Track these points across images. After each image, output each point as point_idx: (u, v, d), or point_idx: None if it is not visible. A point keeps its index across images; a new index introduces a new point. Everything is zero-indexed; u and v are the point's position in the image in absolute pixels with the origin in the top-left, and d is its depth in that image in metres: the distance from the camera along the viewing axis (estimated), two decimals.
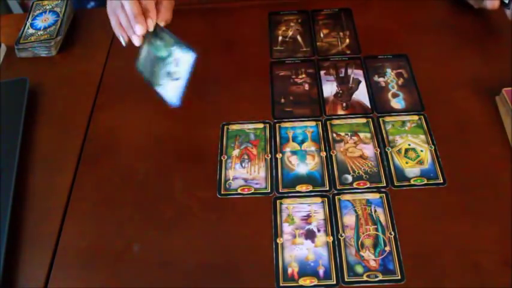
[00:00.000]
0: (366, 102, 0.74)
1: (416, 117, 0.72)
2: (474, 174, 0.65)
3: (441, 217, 0.61)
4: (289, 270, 0.58)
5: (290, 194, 0.64)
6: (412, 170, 0.66)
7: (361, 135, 0.70)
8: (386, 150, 0.68)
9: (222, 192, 0.65)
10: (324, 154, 0.68)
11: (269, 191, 0.65)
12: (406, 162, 0.66)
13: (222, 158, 0.69)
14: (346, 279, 0.56)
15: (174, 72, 0.68)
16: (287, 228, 0.61)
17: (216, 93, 0.78)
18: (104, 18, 0.93)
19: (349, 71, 0.79)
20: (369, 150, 0.68)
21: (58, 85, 0.81)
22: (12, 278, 0.59)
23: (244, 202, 0.64)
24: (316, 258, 0.58)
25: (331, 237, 0.60)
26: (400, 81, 0.77)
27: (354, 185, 0.65)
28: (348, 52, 0.82)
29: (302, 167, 0.67)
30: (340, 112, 0.73)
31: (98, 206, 0.66)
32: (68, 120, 0.76)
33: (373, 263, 0.58)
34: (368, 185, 0.64)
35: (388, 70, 0.79)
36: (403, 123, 0.71)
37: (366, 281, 0.56)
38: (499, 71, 0.75)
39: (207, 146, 0.70)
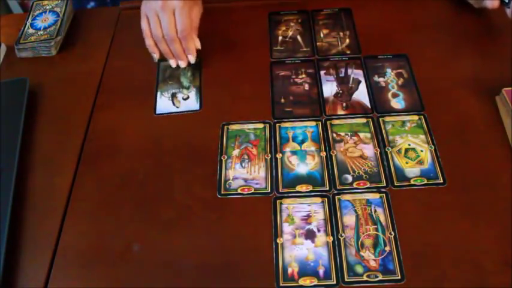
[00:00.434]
0: (366, 102, 0.74)
1: (416, 117, 0.72)
2: (474, 174, 0.65)
3: (441, 217, 0.61)
4: (289, 270, 0.58)
5: (290, 194, 0.64)
6: (412, 170, 0.66)
7: (361, 135, 0.70)
8: (386, 150, 0.68)
9: (222, 192, 0.65)
10: (324, 154, 0.68)
11: (269, 191, 0.65)
12: (406, 162, 0.66)
13: (222, 158, 0.69)
14: (346, 279, 0.56)
15: (182, 95, 0.75)
16: (287, 228, 0.61)
17: (216, 93, 0.78)
18: (104, 18, 0.94)
19: (349, 71, 0.79)
20: (369, 150, 0.68)
21: (58, 85, 0.81)
22: (12, 278, 0.59)
23: (244, 202, 0.64)
24: (316, 258, 0.58)
25: (331, 237, 0.60)
26: (400, 81, 0.77)
27: (354, 185, 0.65)
28: (348, 52, 0.82)
29: (302, 167, 0.67)
30: (340, 112, 0.73)
31: (98, 206, 0.66)
32: (68, 120, 0.76)
33: (373, 263, 0.58)
34: (368, 185, 0.64)
35: (388, 70, 0.79)
36: (403, 123, 0.71)
37: (366, 281, 0.56)
38: (499, 71, 0.75)
39: (207, 146, 0.70)
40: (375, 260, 0.58)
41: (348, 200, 0.63)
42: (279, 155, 0.69)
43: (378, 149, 0.68)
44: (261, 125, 0.73)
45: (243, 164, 0.68)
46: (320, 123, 0.72)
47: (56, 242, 0.62)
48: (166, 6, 0.74)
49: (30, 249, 0.62)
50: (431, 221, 0.61)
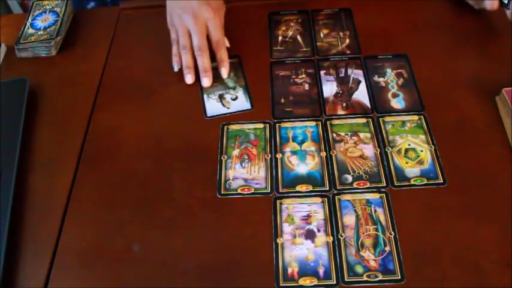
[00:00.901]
0: (366, 102, 0.74)
1: (416, 117, 0.72)
2: (474, 174, 0.65)
3: (441, 217, 0.61)
4: (289, 270, 0.58)
5: (290, 194, 0.64)
6: (412, 170, 0.66)
7: (361, 135, 0.70)
8: (386, 150, 0.68)
9: (222, 192, 0.65)
10: (324, 154, 0.68)
11: (269, 191, 0.65)
12: (406, 162, 0.66)
13: (222, 158, 0.69)
14: (346, 279, 0.56)
15: (229, 95, 0.75)
16: (287, 228, 0.61)
17: None
18: (104, 18, 0.93)
19: (349, 71, 0.79)
20: (369, 150, 0.68)
21: (58, 85, 0.81)
22: (12, 278, 0.59)
23: (244, 202, 0.64)
24: (316, 258, 0.58)
25: (331, 237, 0.60)
26: (400, 81, 0.77)
27: (354, 185, 0.65)
28: (348, 52, 0.82)
29: (302, 167, 0.67)
30: (340, 112, 0.73)
31: (98, 206, 0.65)
32: (68, 120, 0.76)
33: (373, 263, 0.58)
34: (368, 185, 0.64)
35: (388, 70, 0.79)
36: (403, 123, 0.71)
37: (366, 281, 0.56)
38: (499, 71, 0.75)
39: (207, 146, 0.70)
40: (374, 260, 0.58)
41: (348, 200, 0.63)
42: (279, 155, 0.69)
43: (378, 149, 0.68)
44: (261, 125, 0.73)
45: (243, 164, 0.68)
46: (320, 123, 0.72)
47: (56, 242, 0.62)
48: (198, 20, 0.76)
49: (30, 249, 0.62)
50: (432, 221, 0.61)
